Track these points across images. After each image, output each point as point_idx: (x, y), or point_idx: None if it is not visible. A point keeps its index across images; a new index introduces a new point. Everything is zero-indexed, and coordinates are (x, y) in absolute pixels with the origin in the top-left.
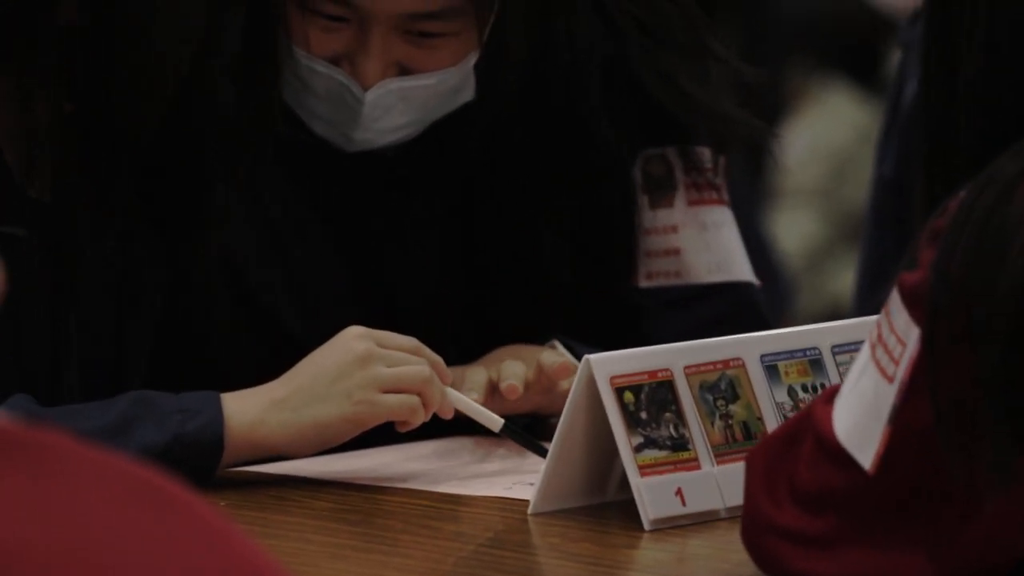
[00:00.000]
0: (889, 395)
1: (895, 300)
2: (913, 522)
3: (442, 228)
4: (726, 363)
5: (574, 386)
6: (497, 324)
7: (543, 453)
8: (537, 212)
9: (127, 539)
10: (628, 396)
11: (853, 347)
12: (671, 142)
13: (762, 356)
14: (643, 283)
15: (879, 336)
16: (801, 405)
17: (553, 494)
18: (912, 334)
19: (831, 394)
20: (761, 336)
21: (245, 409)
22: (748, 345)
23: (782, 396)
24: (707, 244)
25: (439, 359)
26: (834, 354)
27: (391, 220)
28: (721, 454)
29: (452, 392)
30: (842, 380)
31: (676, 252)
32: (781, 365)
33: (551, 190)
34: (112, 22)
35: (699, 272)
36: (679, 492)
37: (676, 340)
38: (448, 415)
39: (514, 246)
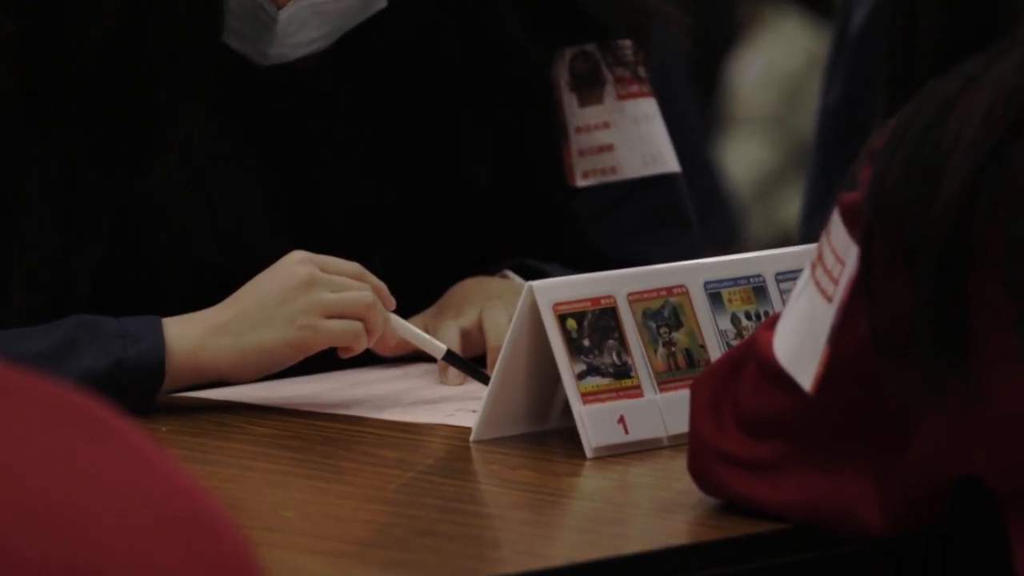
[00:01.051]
0: (828, 315)
1: (835, 219)
2: (854, 444)
3: (365, 146)
4: (669, 290)
5: (516, 313)
6: (433, 245)
7: (486, 380)
8: (455, 123)
9: (50, 463)
10: (571, 323)
11: (797, 274)
12: (592, 38)
13: (706, 283)
14: (580, 183)
15: (819, 256)
16: (745, 333)
17: (495, 421)
18: (851, 253)
19: (774, 320)
20: (704, 263)
21: (187, 334)
22: (691, 272)
23: (725, 324)
24: (640, 137)
25: (382, 284)
26: (778, 281)
27: (313, 141)
28: (664, 382)
29: (394, 318)
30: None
31: (610, 148)
32: (724, 292)
33: (467, 99)
34: None
35: (634, 166)
36: (622, 420)
37: (618, 242)
38: (389, 346)
39: (436, 160)
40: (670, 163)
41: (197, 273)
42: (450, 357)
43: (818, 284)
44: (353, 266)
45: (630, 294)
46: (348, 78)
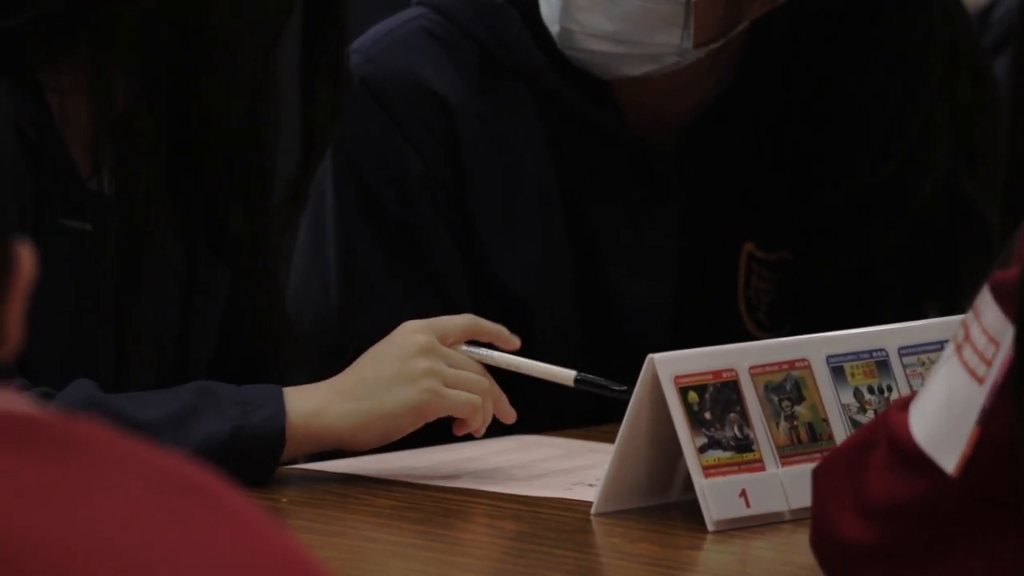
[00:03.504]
0: (979, 396)
1: (986, 298)
2: (1002, 529)
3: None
4: (791, 363)
5: (638, 385)
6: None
7: (623, 394)
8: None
9: (162, 535)
10: (692, 396)
11: (920, 349)
12: None
13: (828, 357)
14: None
15: (966, 335)
16: (867, 407)
17: (616, 494)
18: (1007, 334)
19: (907, 402)
20: (827, 337)
21: (306, 400)
22: (814, 346)
23: (848, 398)
24: None
25: (500, 329)
26: (901, 356)
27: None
28: (786, 455)
29: (513, 358)
30: (909, 383)
31: None
32: (847, 366)
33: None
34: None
35: None
36: (743, 493)
37: None
38: (510, 419)
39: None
40: None
41: None
42: (581, 382)
43: (966, 365)
44: (466, 318)
45: (752, 367)
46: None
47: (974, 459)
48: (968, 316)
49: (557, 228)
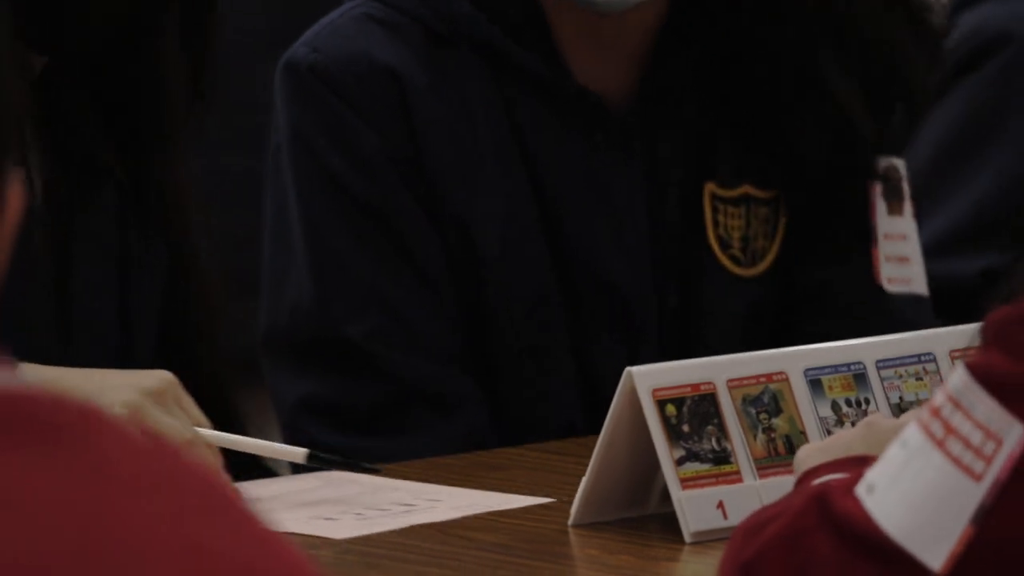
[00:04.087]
0: (976, 493)
1: (975, 390)
2: None
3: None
4: (769, 376)
5: (616, 397)
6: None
7: (367, 470)
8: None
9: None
10: (670, 409)
11: (897, 362)
12: (900, 152)
13: (806, 370)
14: (887, 287)
15: (947, 428)
16: (844, 419)
17: (594, 505)
18: (1012, 432)
19: (849, 485)
20: (804, 350)
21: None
22: (792, 359)
23: (826, 410)
24: (920, 256)
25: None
26: (878, 369)
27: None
28: (764, 467)
29: (241, 439)
30: (887, 395)
31: (906, 260)
32: (825, 379)
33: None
34: None
35: (920, 284)
36: (720, 505)
37: None
38: None
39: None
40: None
41: None
42: (315, 458)
43: (956, 460)
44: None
45: (730, 380)
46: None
47: (966, 559)
48: (942, 404)
49: (521, 189)
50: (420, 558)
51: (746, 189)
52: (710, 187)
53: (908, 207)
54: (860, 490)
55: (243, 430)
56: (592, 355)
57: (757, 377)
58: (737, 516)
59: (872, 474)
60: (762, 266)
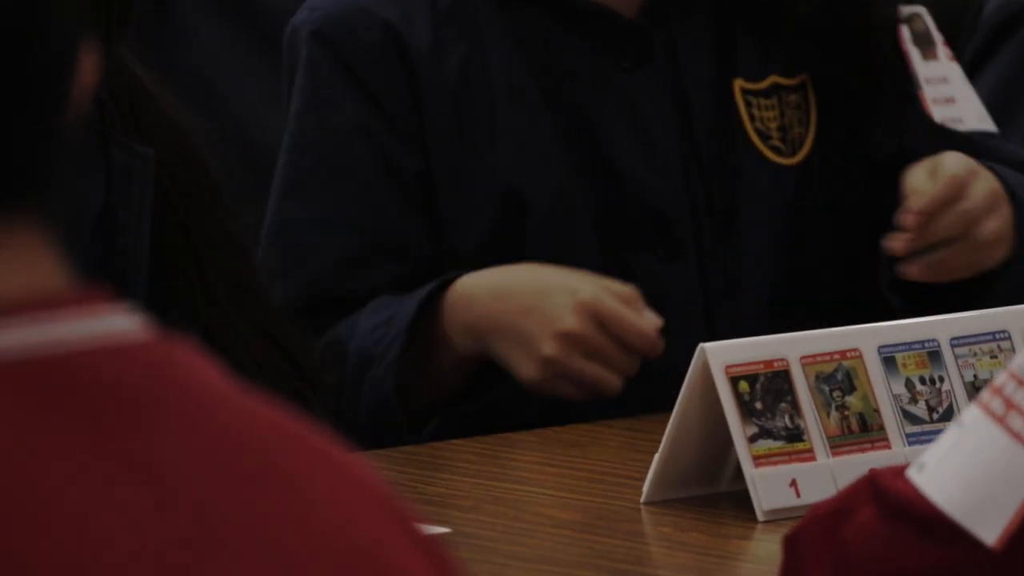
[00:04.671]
0: None
1: None
2: None
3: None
4: (843, 354)
5: (688, 374)
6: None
7: None
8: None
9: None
10: (743, 386)
11: (972, 339)
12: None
13: (880, 347)
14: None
15: (1009, 403)
16: (919, 397)
17: (666, 482)
18: None
19: (898, 471)
20: (878, 327)
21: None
22: (866, 336)
23: (899, 388)
24: (971, 95)
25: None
26: (952, 346)
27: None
28: (837, 445)
29: None
30: (961, 373)
31: (952, 100)
32: (899, 357)
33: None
34: None
35: (973, 119)
36: (793, 483)
37: None
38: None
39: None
40: (993, 126)
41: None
42: None
43: (1015, 434)
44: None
45: (803, 357)
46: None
47: (1020, 534)
48: (1005, 383)
49: (542, 112)
50: (493, 534)
51: (773, 79)
52: (739, 83)
53: (942, 51)
54: (911, 470)
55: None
56: (633, 274)
57: (831, 354)
58: (810, 495)
59: (923, 455)
60: (802, 153)
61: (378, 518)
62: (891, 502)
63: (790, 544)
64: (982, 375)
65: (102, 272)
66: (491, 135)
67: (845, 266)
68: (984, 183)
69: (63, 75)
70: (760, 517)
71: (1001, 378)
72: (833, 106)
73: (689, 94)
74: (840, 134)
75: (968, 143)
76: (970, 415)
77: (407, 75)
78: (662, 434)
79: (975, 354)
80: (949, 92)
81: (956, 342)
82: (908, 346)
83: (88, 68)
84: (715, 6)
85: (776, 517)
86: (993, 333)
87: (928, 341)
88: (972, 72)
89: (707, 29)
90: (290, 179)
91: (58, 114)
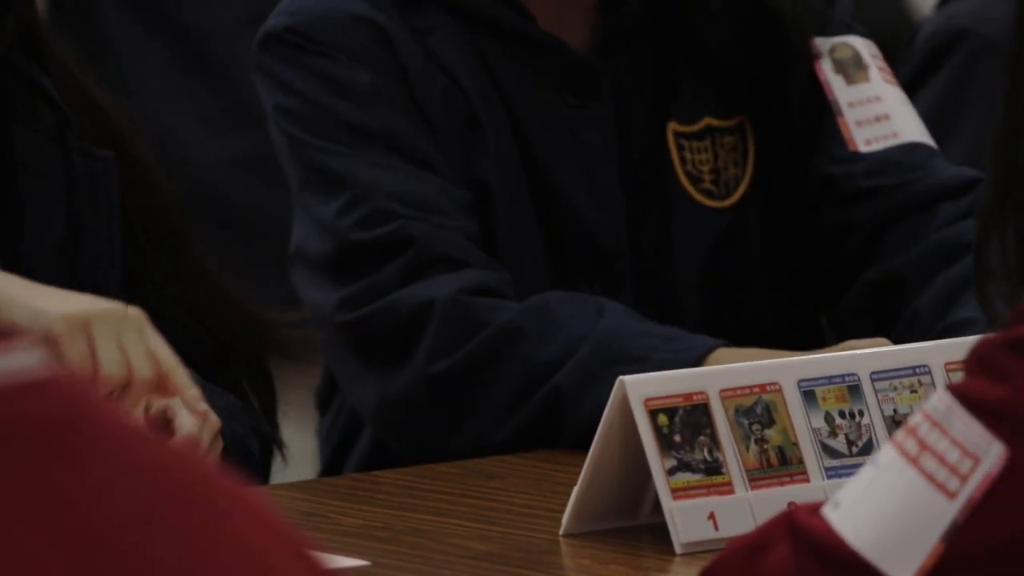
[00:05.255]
0: (947, 510)
1: (956, 410)
2: None
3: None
4: (763, 387)
5: (608, 407)
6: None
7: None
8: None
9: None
10: (662, 418)
11: (892, 374)
12: (845, 31)
13: (799, 381)
14: (863, 148)
15: (922, 445)
16: (838, 431)
17: (585, 515)
18: (991, 451)
19: (813, 508)
20: (798, 361)
21: None
22: (785, 370)
23: (819, 422)
24: (911, 112)
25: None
26: (872, 380)
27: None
28: (756, 479)
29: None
30: (880, 408)
31: (886, 117)
32: (819, 390)
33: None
34: None
35: (911, 133)
36: (712, 516)
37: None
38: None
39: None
40: (931, 140)
41: None
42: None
43: (930, 477)
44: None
45: (723, 390)
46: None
47: (937, 573)
48: (919, 423)
49: (505, 140)
50: (411, 566)
51: (707, 121)
52: (672, 125)
53: (875, 73)
54: (826, 508)
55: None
56: None
57: (750, 388)
58: (728, 528)
59: (840, 492)
60: (737, 195)
61: (285, 555)
62: (806, 539)
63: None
64: (902, 409)
65: (73, 283)
66: (463, 150)
67: (779, 301)
68: None
69: None
70: (678, 550)
71: (916, 418)
72: (770, 145)
73: (629, 133)
74: (778, 172)
75: (881, 162)
76: (885, 455)
77: (403, 74)
78: (581, 466)
79: (895, 388)
80: (882, 110)
81: (876, 376)
82: (828, 380)
83: None
84: (656, 48)
85: (694, 550)
86: (913, 368)
87: (848, 375)
88: (908, 94)
89: (647, 69)
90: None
91: None
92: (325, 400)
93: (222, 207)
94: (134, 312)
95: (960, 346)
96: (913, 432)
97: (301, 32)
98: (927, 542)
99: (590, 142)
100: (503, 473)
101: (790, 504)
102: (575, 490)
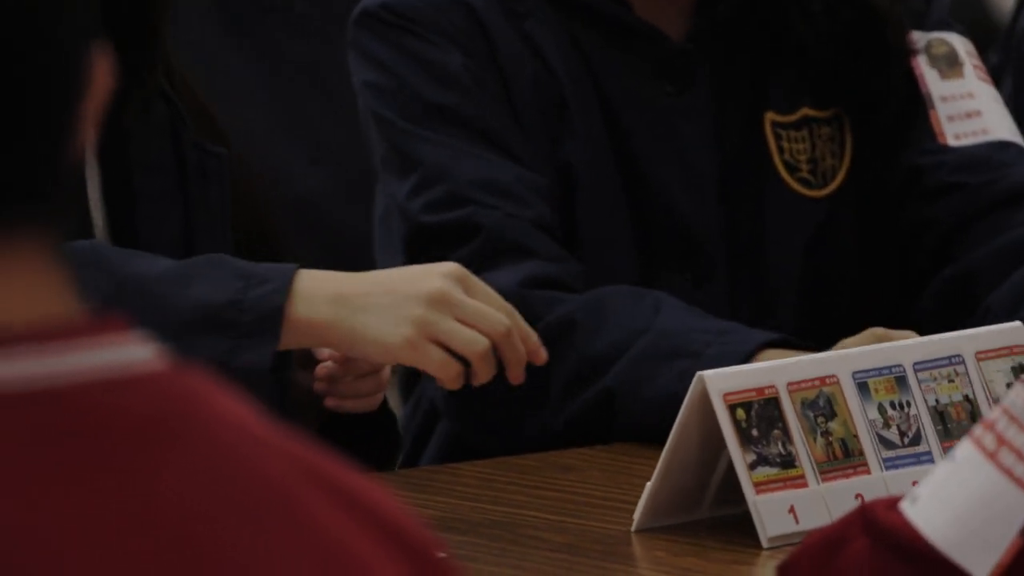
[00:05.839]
0: (1022, 503)
1: None
2: None
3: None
4: (823, 380)
5: (685, 402)
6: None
7: None
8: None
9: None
10: (740, 413)
11: (931, 364)
12: (944, 27)
13: (853, 373)
14: (952, 143)
15: (999, 439)
16: (891, 422)
17: (657, 510)
18: None
19: (891, 502)
20: (853, 353)
21: (317, 289)
22: (842, 362)
23: (874, 413)
24: (1003, 111)
25: (530, 333)
26: (916, 371)
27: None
28: (825, 471)
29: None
30: (924, 398)
31: (977, 113)
32: (871, 382)
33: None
34: None
35: (1001, 131)
36: (792, 509)
37: None
38: (539, 359)
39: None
40: (1021, 139)
41: None
42: None
43: (1005, 469)
44: (501, 304)
45: (789, 384)
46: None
47: (1013, 570)
48: (997, 418)
49: (597, 129)
50: (488, 557)
51: (805, 111)
52: (769, 115)
53: (969, 71)
54: (904, 503)
55: None
56: (666, 288)
57: (812, 381)
58: (807, 521)
59: (917, 488)
60: (834, 185)
61: (383, 556)
62: (883, 534)
63: (784, 574)
64: (943, 399)
65: None
66: (552, 138)
67: (871, 294)
68: None
69: (69, 80)
70: (764, 544)
71: (994, 413)
72: (866, 137)
73: (725, 123)
74: (875, 164)
75: (969, 158)
76: (962, 449)
77: (493, 56)
78: (657, 459)
79: (935, 379)
80: (974, 106)
81: (919, 367)
82: (878, 371)
83: (101, 72)
84: (753, 39)
85: (780, 544)
86: (949, 358)
87: (895, 367)
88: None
89: (744, 60)
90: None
91: (65, 123)
92: (407, 388)
93: (315, 220)
94: (459, 267)
95: (992, 334)
96: (991, 427)
97: (397, 11)
98: (1005, 536)
99: (685, 130)
100: (581, 466)
101: (864, 501)
102: (648, 485)
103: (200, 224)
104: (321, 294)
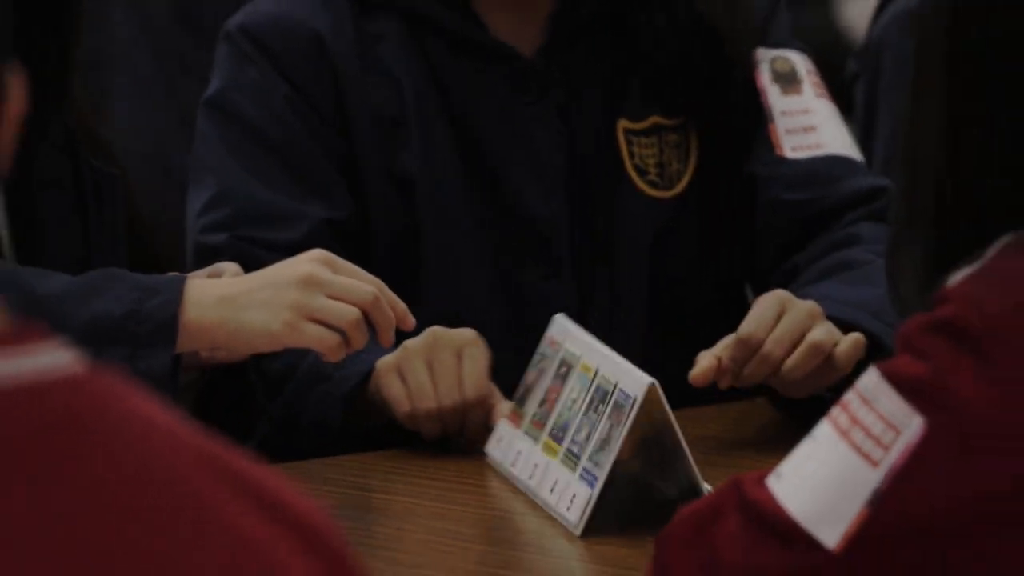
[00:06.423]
0: (871, 478)
1: (882, 387)
2: None
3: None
4: None
5: (635, 408)
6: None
7: None
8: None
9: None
10: None
11: None
12: (785, 45)
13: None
14: (789, 155)
15: (853, 419)
16: None
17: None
18: (911, 423)
19: (760, 476)
20: None
21: (203, 298)
22: None
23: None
24: (839, 127)
25: (398, 302)
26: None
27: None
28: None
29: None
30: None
31: (813, 128)
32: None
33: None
34: None
35: (835, 146)
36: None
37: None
38: (408, 325)
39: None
40: (857, 154)
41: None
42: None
43: (856, 447)
44: (368, 278)
45: None
46: (576, 67)
47: (859, 539)
48: (851, 399)
49: (445, 142)
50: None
51: (655, 119)
52: (622, 123)
53: (808, 87)
54: (770, 478)
55: None
56: (520, 290)
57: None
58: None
59: (782, 464)
60: (678, 187)
61: (290, 550)
62: (751, 509)
63: (661, 544)
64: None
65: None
66: (400, 147)
67: (718, 286)
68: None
69: None
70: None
71: (849, 395)
72: (710, 144)
73: (576, 128)
74: (717, 169)
75: (803, 173)
76: (821, 429)
77: (333, 80)
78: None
79: None
80: (810, 122)
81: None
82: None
83: (15, 95)
84: (606, 51)
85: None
86: None
87: None
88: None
89: (598, 71)
90: (233, 152)
91: None
92: None
93: None
94: (325, 252)
95: None
96: (846, 408)
97: (250, 34)
98: (853, 508)
99: (537, 134)
100: None
101: (736, 475)
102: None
103: (96, 242)
104: (208, 298)
